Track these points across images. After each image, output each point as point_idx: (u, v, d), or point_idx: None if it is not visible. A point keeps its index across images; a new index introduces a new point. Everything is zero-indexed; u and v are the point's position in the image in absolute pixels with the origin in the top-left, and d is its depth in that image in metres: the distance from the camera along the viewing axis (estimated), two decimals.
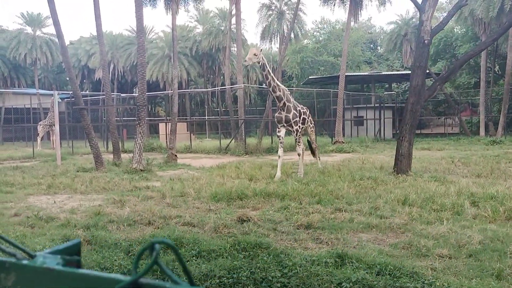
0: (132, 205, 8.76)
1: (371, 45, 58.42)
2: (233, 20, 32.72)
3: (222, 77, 49.16)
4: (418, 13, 11.90)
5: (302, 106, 13.32)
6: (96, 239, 6.09)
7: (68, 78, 56.83)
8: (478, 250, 5.59)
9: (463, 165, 14.63)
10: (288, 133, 13.12)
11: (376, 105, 35.68)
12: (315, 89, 33.23)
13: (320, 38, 48.50)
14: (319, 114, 34.08)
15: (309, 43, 47.95)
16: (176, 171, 15.06)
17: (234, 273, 4.78)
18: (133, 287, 0.64)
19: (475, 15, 31.43)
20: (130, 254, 5.51)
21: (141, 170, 14.19)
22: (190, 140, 27.22)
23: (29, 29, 44.80)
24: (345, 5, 30.50)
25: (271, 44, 43.72)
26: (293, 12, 33.69)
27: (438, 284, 4.49)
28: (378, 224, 6.92)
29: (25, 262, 0.68)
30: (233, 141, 24.86)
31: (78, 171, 14.48)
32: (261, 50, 12.36)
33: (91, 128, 15.43)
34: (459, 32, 41.97)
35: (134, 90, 55.78)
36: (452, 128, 40.09)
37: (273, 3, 41.54)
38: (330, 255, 5.25)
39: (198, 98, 55.03)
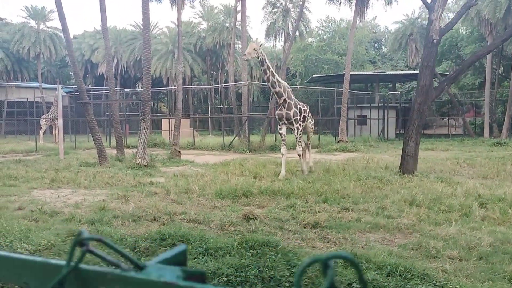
0: (136, 200, 8.70)
1: (376, 45, 58.28)
2: (238, 17, 32.60)
3: (225, 74, 49.09)
4: (424, 13, 11.78)
5: (302, 104, 13.11)
6: (101, 235, 6.03)
7: (72, 72, 56.86)
8: (488, 253, 5.52)
9: (468, 166, 14.53)
10: (290, 130, 13.01)
11: (380, 104, 35.56)
12: (319, 88, 33.09)
13: (325, 37, 48.36)
14: (322, 113, 33.98)
15: (314, 41, 47.81)
16: (180, 167, 14.99)
17: (242, 272, 4.71)
18: None
19: (481, 15, 31.28)
20: (136, 250, 5.44)
21: (145, 165, 14.12)
22: (194, 136, 27.16)
23: (33, 23, 44.75)
24: (351, 3, 30.37)
25: (275, 41, 43.72)
26: (298, 9, 33.57)
27: (450, 286, 4.41)
28: (385, 224, 6.84)
29: (133, 274, 0.55)
30: (237, 138, 24.79)
31: (81, 166, 14.41)
32: (260, 45, 12.09)
33: (95, 122, 15.36)
34: (465, 32, 41.82)
35: (137, 85, 55.77)
36: (455, 129, 39.94)
37: (279, 1, 41.41)
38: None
39: (201, 94, 54.96)
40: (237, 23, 35.04)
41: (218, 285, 4.83)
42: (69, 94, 37.64)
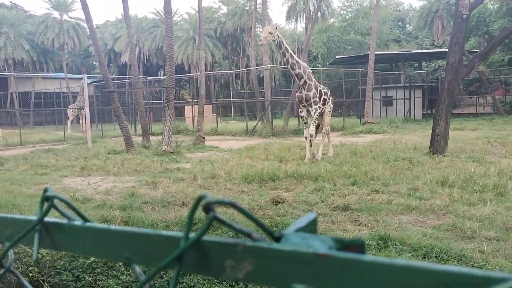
0: (164, 186, 8.77)
1: (400, 23, 56.84)
2: (259, 0, 32.21)
3: (246, 58, 48.84)
4: None
5: (323, 86, 12.78)
6: (133, 220, 6.10)
7: (96, 62, 57.59)
8: None
9: (500, 145, 14.10)
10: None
11: (405, 84, 34.78)
12: (342, 69, 32.56)
13: (347, 17, 47.37)
14: (346, 95, 33.49)
15: (336, 22, 46.93)
16: (205, 153, 15.05)
17: None
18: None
19: None
20: None
21: (171, 152, 14.22)
22: (217, 122, 27.22)
23: (56, 14, 45.34)
24: None
25: (296, 23, 43.10)
26: None
27: (489, 267, 4.29)
28: (418, 205, 6.70)
29: (272, 244, 0.46)
30: (260, 123, 24.71)
31: (109, 154, 14.63)
32: (276, 27, 11.67)
33: (121, 110, 15.52)
34: (493, 7, 40.29)
35: (159, 73, 56.12)
36: (483, 108, 38.81)
37: None
38: (372, 237, 5.10)
39: (222, 80, 54.94)
40: (257, 6, 34.66)
41: None
42: (94, 83, 38.15)
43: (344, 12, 48.70)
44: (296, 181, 9.00)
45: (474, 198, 7.07)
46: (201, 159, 12.84)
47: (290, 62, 11.68)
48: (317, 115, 12.13)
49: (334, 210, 6.67)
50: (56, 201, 0.67)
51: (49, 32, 43.53)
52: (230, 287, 4.61)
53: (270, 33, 11.29)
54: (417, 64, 42.51)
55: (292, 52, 11.76)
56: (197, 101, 22.77)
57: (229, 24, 45.74)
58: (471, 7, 11.50)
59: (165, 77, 15.85)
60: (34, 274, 5.63)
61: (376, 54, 28.08)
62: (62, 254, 5.64)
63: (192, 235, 0.50)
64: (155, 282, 4.93)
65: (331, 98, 13.03)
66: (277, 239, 0.47)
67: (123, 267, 5.28)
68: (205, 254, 0.50)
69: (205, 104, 21.65)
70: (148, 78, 37.74)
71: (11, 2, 54.96)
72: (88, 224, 0.63)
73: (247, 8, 45.33)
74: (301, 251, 0.43)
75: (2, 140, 21.22)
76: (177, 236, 0.53)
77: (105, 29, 51.79)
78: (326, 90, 12.63)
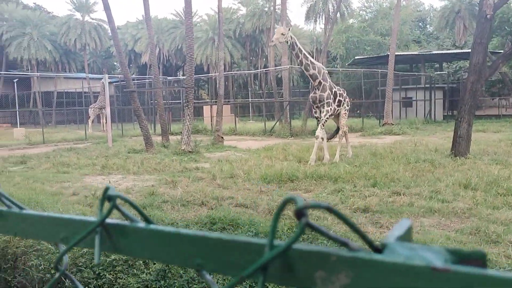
0: (184, 185, 8.81)
1: (420, 24, 56.11)
2: (278, 1, 32.19)
3: (264, 59, 48.84)
4: None
5: (339, 87, 12.51)
6: (153, 219, 6.13)
7: (117, 62, 58.36)
8: None
9: None
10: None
11: (426, 85, 34.30)
12: (362, 70, 32.27)
13: (367, 17, 46.96)
14: (365, 96, 33.19)
15: (355, 22, 46.57)
16: (223, 152, 15.09)
17: None
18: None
19: None
20: None
21: (190, 151, 14.30)
22: (235, 122, 27.28)
23: (78, 15, 46.06)
24: None
25: (315, 24, 42.96)
26: None
27: None
28: (440, 208, 6.59)
29: (375, 256, 0.40)
30: (278, 123, 24.68)
31: (129, 153, 14.79)
32: (289, 29, 11.57)
33: (141, 110, 15.68)
34: None
35: (178, 73, 56.54)
36: (506, 110, 38.02)
37: None
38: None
39: (240, 80, 55.05)
40: (276, 7, 34.64)
41: None
42: (114, 83, 38.66)
43: (364, 12, 48.30)
44: (315, 182, 8.95)
45: (498, 201, 6.92)
46: (220, 158, 12.88)
47: (304, 63, 11.51)
48: (327, 118, 11.85)
49: (355, 212, 6.61)
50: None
51: (71, 33, 44.25)
52: None
53: (283, 34, 11.15)
54: (438, 65, 41.90)
55: (306, 53, 11.57)
56: (216, 101, 22.90)
57: (248, 25, 45.81)
58: (495, 7, 11.28)
59: (185, 77, 15.95)
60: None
61: (396, 55, 27.77)
62: (84, 251, 5.72)
63: (279, 242, 0.46)
64: (175, 281, 4.96)
65: (347, 99, 12.77)
66: (378, 249, 0.43)
67: (143, 265, 5.33)
68: (292, 263, 0.45)
69: (223, 104, 21.74)
70: (168, 78, 38.06)
71: (34, 3, 56.19)
72: (153, 226, 0.60)
73: (266, 9, 45.33)
74: (412, 264, 0.38)
75: (25, 138, 21.65)
76: (259, 243, 0.48)
77: (126, 30, 52.42)
78: (341, 92, 12.38)
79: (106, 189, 0.63)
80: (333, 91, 11.92)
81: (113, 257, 5.45)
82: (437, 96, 33.18)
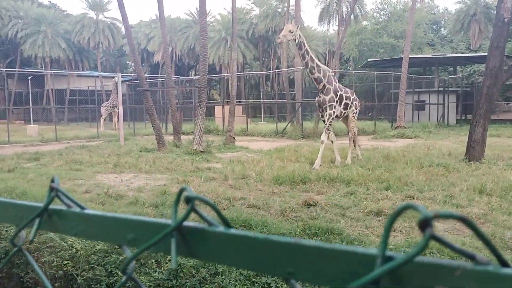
0: (196, 185, 8.82)
1: (434, 26, 55.63)
2: (291, 1, 32.14)
3: (277, 60, 48.79)
4: None
5: (346, 90, 12.08)
6: (166, 218, 6.15)
7: (130, 61, 58.76)
8: None
9: None
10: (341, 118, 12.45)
11: (439, 89, 33.98)
12: (375, 72, 32.08)
13: (380, 19, 46.70)
14: (378, 98, 32.97)
15: (368, 24, 46.34)
16: (235, 153, 15.08)
17: None
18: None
19: None
20: None
21: (201, 151, 14.31)
22: (247, 123, 27.27)
23: (92, 14, 46.43)
24: None
25: (328, 25, 42.78)
26: None
27: None
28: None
29: (506, 271, 0.38)
30: (290, 124, 24.62)
31: (141, 151, 14.86)
32: (298, 26, 11.19)
33: (154, 109, 15.74)
34: None
35: (190, 73, 56.73)
36: None
37: None
38: (408, 245, 4.98)
39: (252, 81, 55.08)
40: (290, 8, 34.59)
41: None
42: (126, 82, 38.91)
43: (377, 14, 48.05)
44: (327, 184, 8.90)
45: None
46: (232, 159, 12.87)
47: (309, 66, 11.15)
48: (330, 121, 11.59)
49: (368, 215, 6.55)
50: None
51: (85, 31, 44.64)
52: None
53: (291, 31, 10.78)
54: (452, 68, 41.50)
55: (312, 55, 11.22)
56: (228, 101, 22.93)
57: (261, 25, 45.82)
58: None
59: (197, 77, 15.98)
60: (68, 267, 5.76)
61: (409, 58, 27.54)
62: (96, 249, 5.75)
63: (391, 253, 0.43)
64: (187, 281, 4.95)
65: (355, 102, 12.35)
66: (506, 264, 0.39)
67: (155, 264, 5.33)
68: (406, 276, 0.43)
69: (236, 104, 21.75)
70: (180, 78, 38.20)
71: (49, 1, 56.77)
72: (234, 231, 0.57)
73: (279, 9, 45.30)
74: None
75: (39, 135, 21.88)
76: (367, 253, 0.45)
77: (139, 29, 52.72)
78: (348, 94, 11.95)
79: (182, 190, 0.60)
80: (338, 94, 11.55)
81: (124, 255, 5.47)
82: (450, 99, 32.86)
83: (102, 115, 29.84)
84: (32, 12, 45.29)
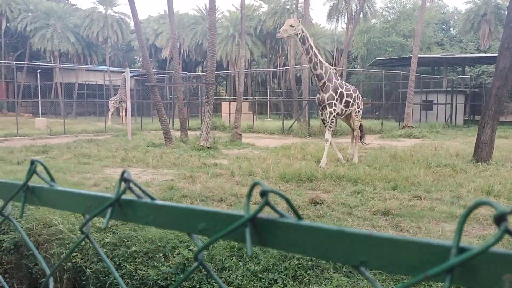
0: (202, 181, 8.85)
1: (443, 26, 55.29)
2: None
3: (284, 57, 48.72)
4: None
5: (348, 87, 11.74)
6: None
7: (138, 56, 58.90)
8: None
9: None
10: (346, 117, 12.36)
11: (447, 89, 33.80)
12: (383, 71, 31.96)
13: (389, 18, 46.48)
14: (385, 97, 32.86)
15: (377, 23, 46.13)
16: (241, 150, 15.12)
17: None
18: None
19: None
20: None
21: (208, 147, 14.36)
22: (253, 120, 27.29)
23: (101, 8, 46.57)
24: None
25: (337, 23, 42.63)
26: None
27: None
28: (461, 214, 6.48)
29: None
30: (296, 122, 24.61)
31: (148, 146, 14.93)
32: (299, 21, 11.00)
33: (162, 104, 15.80)
34: None
35: (197, 69, 56.78)
36: None
37: None
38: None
39: (259, 78, 55.05)
40: (299, 5, 34.51)
41: (290, 268, 4.80)
42: (134, 77, 39.04)
43: (387, 13, 47.85)
44: (334, 182, 8.90)
45: None
46: (238, 155, 12.90)
47: (313, 61, 11.00)
48: (331, 120, 11.41)
49: (375, 214, 6.56)
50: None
51: (94, 25, 44.77)
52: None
53: (292, 26, 10.57)
54: (460, 68, 41.26)
55: (316, 51, 11.07)
56: (234, 98, 22.95)
57: (269, 22, 45.74)
58: None
59: (204, 73, 16.01)
60: (77, 260, 5.82)
61: (418, 57, 27.40)
62: (105, 242, 5.81)
63: (465, 244, 0.47)
64: (194, 276, 4.98)
65: (358, 100, 12.03)
66: None
67: (163, 258, 5.37)
68: (478, 265, 0.46)
69: (243, 101, 21.76)
70: (188, 73, 38.25)
71: None
72: (305, 222, 0.59)
73: (287, 6, 45.20)
74: None
75: (47, 128, 22.03)
76: (442, 245, 0.49)
77: (147, 24, 52.80)
78: (350, 92, 11.61)
79: (255, 183, 0.62)
80: (338, 91, 11.28)
81: (133, 248, 5.52)
82: (458, 100, 32.70)
83: (110, 109, 29.98)
84: (41, 6, 45.49)
